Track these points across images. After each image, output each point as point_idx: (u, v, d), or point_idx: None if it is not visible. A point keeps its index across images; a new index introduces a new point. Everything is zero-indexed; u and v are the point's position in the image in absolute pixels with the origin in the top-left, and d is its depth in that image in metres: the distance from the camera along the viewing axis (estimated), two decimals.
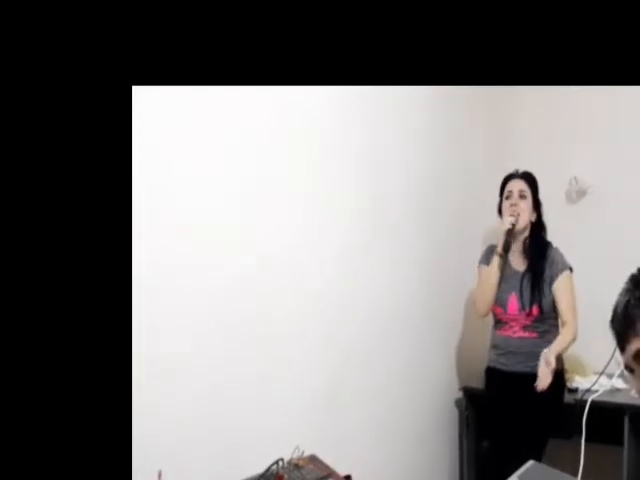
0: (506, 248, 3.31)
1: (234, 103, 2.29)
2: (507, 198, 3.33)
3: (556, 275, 3.25)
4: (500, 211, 3.39)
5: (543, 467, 2.09)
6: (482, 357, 3.50)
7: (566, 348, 3.22)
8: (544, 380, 3.07)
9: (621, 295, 1.61)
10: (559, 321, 3.30)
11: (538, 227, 3.34)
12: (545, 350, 3.13)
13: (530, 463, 2.09)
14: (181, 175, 2.13)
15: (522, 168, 3.40)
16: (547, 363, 3.08)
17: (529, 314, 3.26)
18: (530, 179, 3.34)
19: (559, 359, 3.29)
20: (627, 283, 1.60)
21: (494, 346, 3.41)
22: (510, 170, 3.42)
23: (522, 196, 3.30)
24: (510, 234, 3.31)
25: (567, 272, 3.26)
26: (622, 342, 1.60)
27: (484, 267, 3.40)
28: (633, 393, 3.02)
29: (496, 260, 3.31)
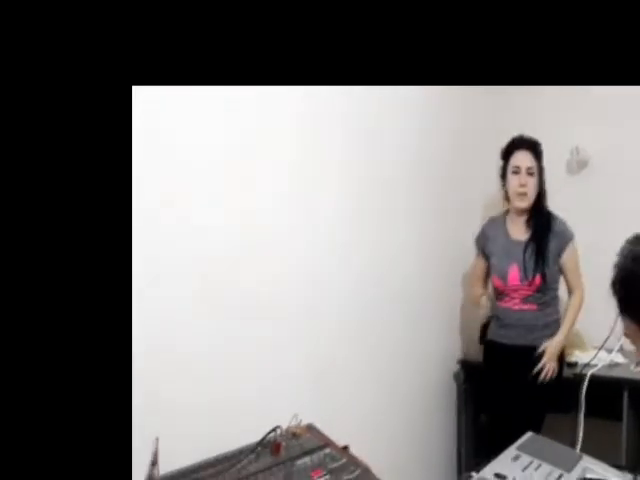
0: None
1: (233, 100, 2.27)
2: (514, 173, 3.28)
3: (564, 246, 3.23)
4: (503, 176, 3.34)
5: (541, 438, 2.10)
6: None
7: (576, 316, 3.27)
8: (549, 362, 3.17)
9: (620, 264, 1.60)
10: (558, 293, 3.31)
11: (541, 196, 3.31)
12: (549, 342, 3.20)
13: (529, 434, 2.10)
14: (181, 174, 2.13)
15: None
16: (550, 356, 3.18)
17: (531, 284, 3.23)
18: (537, 150, 3.28)
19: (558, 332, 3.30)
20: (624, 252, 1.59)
21: (494, 318, 3.40)
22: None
23: (530, 173, 3.26)
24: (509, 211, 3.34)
25: (572, 244, 3.25)
26: (620, 311, 1.60)
27: (480, 260, 3.44)
28: (632, 367, 3.02)
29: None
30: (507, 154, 3.32)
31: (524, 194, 3.25)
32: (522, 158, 3.27)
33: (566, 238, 3.24)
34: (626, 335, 1.67)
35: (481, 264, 3.41)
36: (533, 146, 3.29)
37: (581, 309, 3.28)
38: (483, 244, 3.40)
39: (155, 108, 1.99)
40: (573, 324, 3.28)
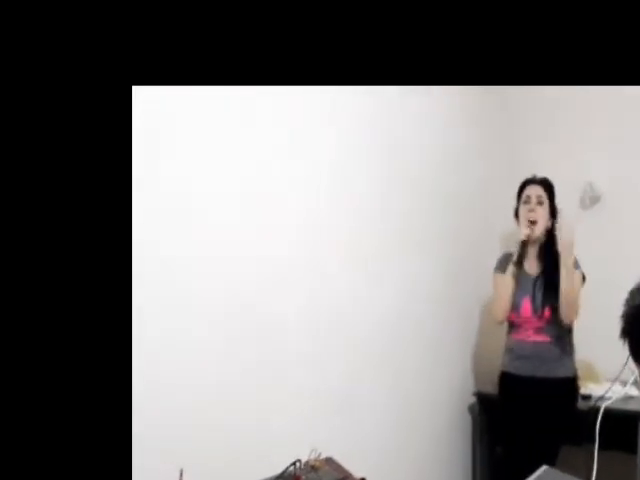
0: (520, 258, 3.35)
1: (235, 101, 2.28)
2: (525, 203, 3.37)
3: None
4: (517, 215, 3.42)
5: (556, 472, 2.10)
6: (496, 362, 3.52)
7: (571, 280, 3.20)
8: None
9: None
10: (572, 327, 3.34)
11: (552, 232, 3.37)
12: None
13: (543, 468, 2.11)
14: (181, 174, 2.13)
15: (538, 174, 3.43)
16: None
17: (541, 316, 3.29)
18: (548, 185, 3.38)
19: (572, 366, 3.32)
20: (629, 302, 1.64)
21: (508, 350, 3.43)
22: (526, 176, 3.46)
23: (540, 202, 3.34)
24: (525, 244, 3.35)
25: (578, 272, 3.27)
26: (634, 359, 1.64)
27: (499, 275, 3.42)
28: None
29: (511, 269, 3.34)
30: (520, 192, 3.43)
31: (533, 222, 3.32)
32: (532, 190, 3.38)
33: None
34: None
35: (509, 278, 3.37)
36: (543, 182, 3.39)
37: (570, 302, 3.23)
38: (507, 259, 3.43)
39: (155, 108, 1.98)
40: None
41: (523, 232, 3.33)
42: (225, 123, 2.26)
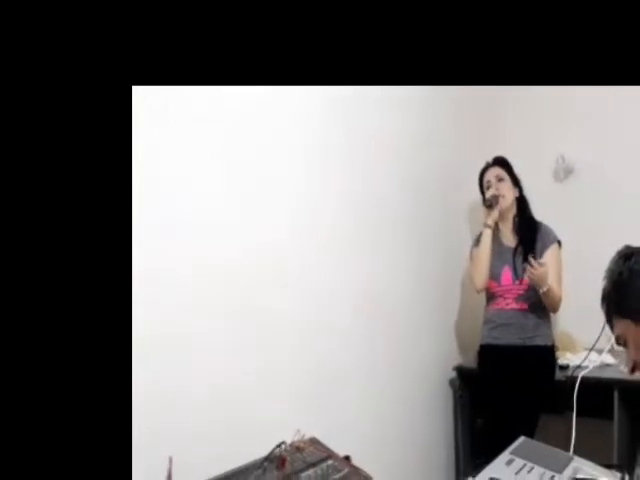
0: (489, 203, 3.41)
1: (232, 102, 2.32)
2: (488, 188, 3.46)
3: (546, 247, 3.36)
4: (484, 203, 3.50)
5: (533, 442, 2.17)
6: (475, 337, 3.58)
7: (547, 290, 3.25)
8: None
9: (608, 275, 1.70)
10: None
11: (523, 203, 3.47)
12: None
13: (521, 439, 2.18)
14: (180, 174, 2.16)
15: (509, 148, 3.56)
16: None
17: (521, 283, 3.36)
18: (503, 163, 3.48)
19: (549, 335, 3.39)
20: (615, 261, 1.70)
21: (487, 321, 3.50)
22: (498, 153, 3.51)
23: (500, 179, 3.45)
24: (495, 201, 3.40)
25: (555, 244, 3.38)
26: (609, 321, 1.71)
27: (475, 248, 3.49)
28: (622, 368, 3.11)
29: (487, 232, 3.41)
30: (480, 181, 3.54)
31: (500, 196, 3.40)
32: (490, 174, 3.49)
33: (550, 239, 3.38)
34: (618, 339, 1.76)
35: (485, 244, 3.41)
36: (498, 161, 3.49)
37: (553, 306, 3.32)
38: None
39: (155, 108, 2.01)
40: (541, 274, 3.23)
41: (490, 193, 3.42)
42: (223, 123, 2.31)
